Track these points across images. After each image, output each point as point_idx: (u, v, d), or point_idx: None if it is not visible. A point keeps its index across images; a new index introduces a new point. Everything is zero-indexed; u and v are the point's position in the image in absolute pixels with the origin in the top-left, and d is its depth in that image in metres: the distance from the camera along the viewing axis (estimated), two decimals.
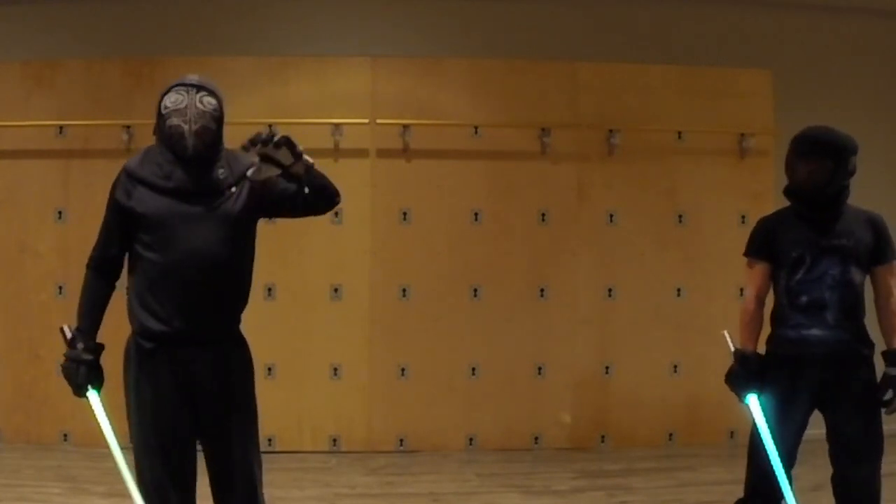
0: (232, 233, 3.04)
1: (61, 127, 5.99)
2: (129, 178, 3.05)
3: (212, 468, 3.09)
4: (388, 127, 6.08)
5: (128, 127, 5.87)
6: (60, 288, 5.93)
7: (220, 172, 3.06)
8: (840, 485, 3.50)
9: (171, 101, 3.02)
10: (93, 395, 3.04)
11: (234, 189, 3.07)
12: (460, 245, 6.17)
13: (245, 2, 6.23)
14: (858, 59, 6.61)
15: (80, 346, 3.03)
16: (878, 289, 3.56)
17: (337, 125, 6.02)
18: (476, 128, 6.18)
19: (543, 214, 6.24)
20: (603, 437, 6.25)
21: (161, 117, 3.03)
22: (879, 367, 3.53)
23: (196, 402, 3.04)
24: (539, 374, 6.22)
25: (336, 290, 6.09)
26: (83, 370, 3.01)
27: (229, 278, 3.07)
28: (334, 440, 6.10)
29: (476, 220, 6.20)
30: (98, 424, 3.07)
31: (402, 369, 6.13)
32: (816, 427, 3.58)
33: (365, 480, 5.41)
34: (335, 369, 6.09)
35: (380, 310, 6.12)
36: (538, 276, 6.22)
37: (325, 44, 6.23)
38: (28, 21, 6.15)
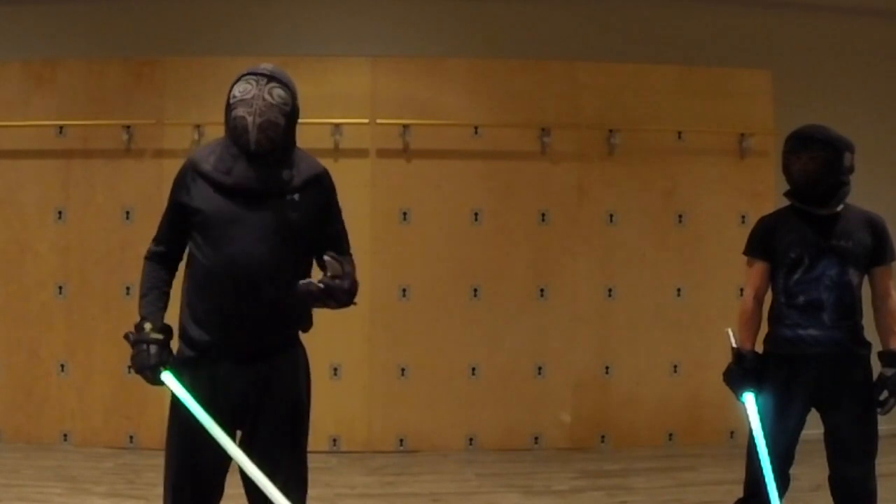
0: (285, 242, 2.81)
1: (61, 127, 5.98)
2: (191, 169, 2.86)
3: (246, 482, 2.86)
4: (388, 127, 6.08)
5: (128, 127, 5.84)
6: (60, 288, 5.92)
7: (286, 174, 2.84)
8: (838, 485, 3.51)
9: (239, 90, 2.84)
10: (168, 377, 2.78)
11: (297, 196, 2.85)
12: (460, 245, 6.17)
13: (245, 2, 6.23)
14: (858, 59, 6.61)
15: (147, 326, 2.82)
16: (875, 290, 3.58)
17: (337, 125, 6.02)
18: (476, 128, 6.17)
19: (543, 214, 6.24)
20: (603, 437, 6.25)
21: (228, 107, 2.84)
22: (876, 367, 3.53)
23: (234, 420, 2.83)
24: (539, 374, 6.22)
25: None
26: (154, 350, 2.77)
27: (274, 291, 2.80)
28: (334, 440, 6.09)
29: (476, 220, 6.20)
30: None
31: (402, 369, 6.13)
32: (816, 427, 3.58)
33: (365, 480, 5.41)
34: (335, 369, 6.09)
35: (380, 310, 6.11)
36: (538, 276, 6.22)
37: (325, 44, 6.22)
38: (28, 21, 6.15)
